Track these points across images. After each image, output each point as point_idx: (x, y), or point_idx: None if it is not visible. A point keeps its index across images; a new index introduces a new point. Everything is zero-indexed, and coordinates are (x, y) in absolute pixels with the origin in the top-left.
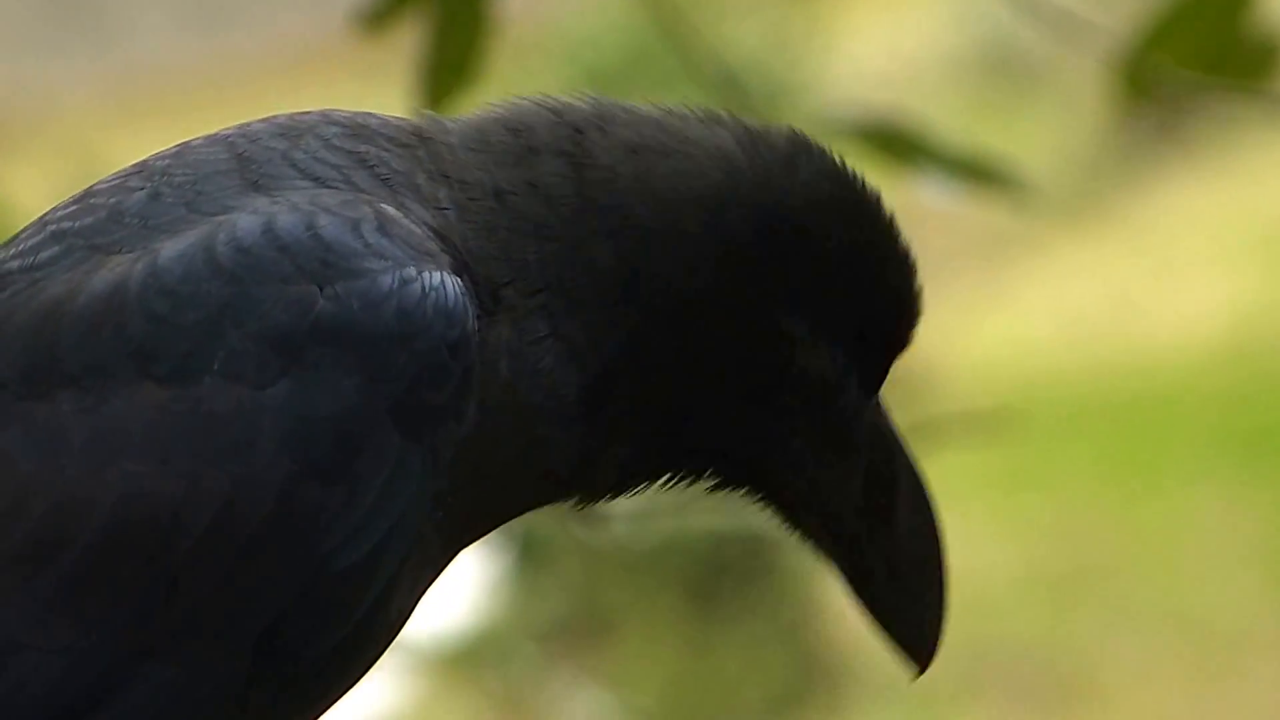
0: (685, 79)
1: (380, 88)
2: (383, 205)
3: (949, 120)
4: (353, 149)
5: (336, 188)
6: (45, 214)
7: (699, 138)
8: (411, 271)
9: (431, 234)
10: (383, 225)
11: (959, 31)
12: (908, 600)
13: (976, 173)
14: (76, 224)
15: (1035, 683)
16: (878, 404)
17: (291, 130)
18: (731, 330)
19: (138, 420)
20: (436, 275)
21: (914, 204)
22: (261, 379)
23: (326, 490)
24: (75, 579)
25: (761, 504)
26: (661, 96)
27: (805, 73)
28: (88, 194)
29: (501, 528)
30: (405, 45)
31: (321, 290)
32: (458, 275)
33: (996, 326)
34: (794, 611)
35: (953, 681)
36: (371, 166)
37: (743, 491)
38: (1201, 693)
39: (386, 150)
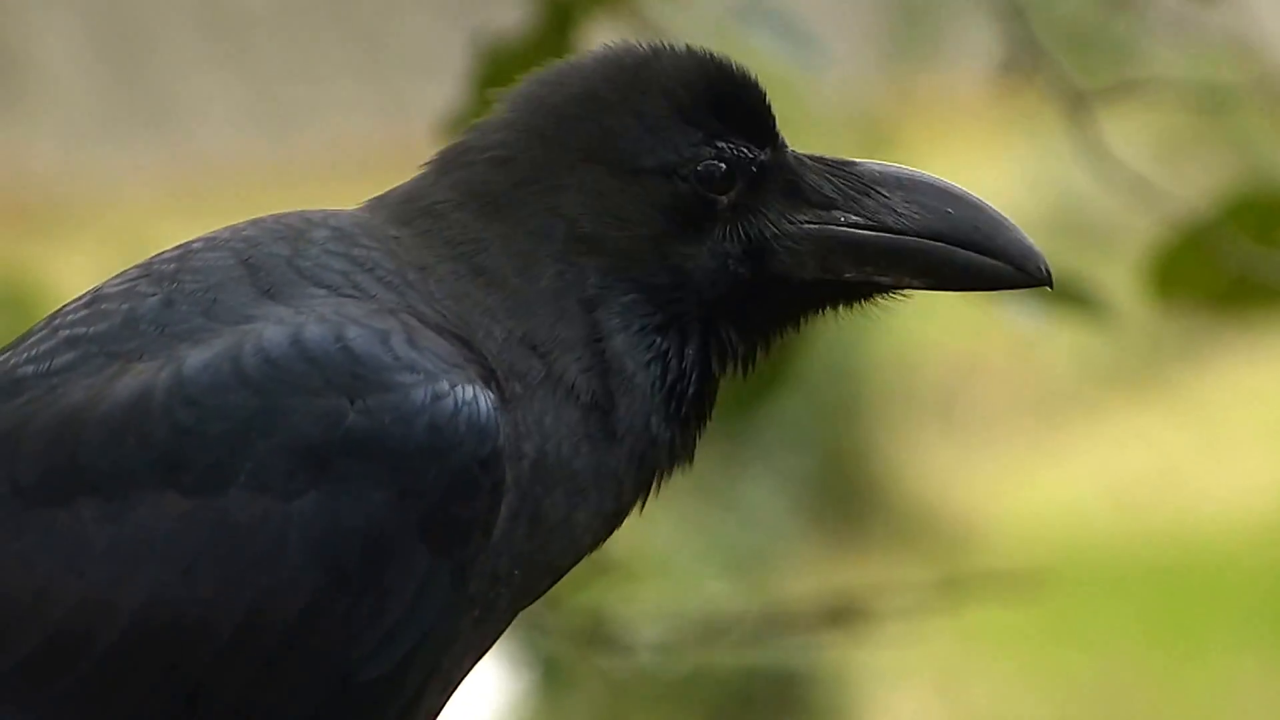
0: None
1: None
2: (406, 315)
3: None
4: (346, 252)
5: (351, 295)
6: (54, 315)
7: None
8: (444, 386)
9: (453, 338)
10: (411, 337)
11: (1031, 193)
12: (975, 243)
13: (1063, 295)
14: (90, 329)
15: None
16: (790, 153)
17: (285, 235)
18: (679, 215)
19: (161, 528)
20: (469, 390)
21: (973, 360)
22: (289, 490)
23: (354, 602)
24: (93, 684)
25: (820, 311)
26: None
27: None
28: (97, 297)
29: (525, 650)
30: None
31: (352, 403)
32: (485, 382)
33: (1047, 485)
34: None
35: None
36: (370, 270)
37: (792, 320)
38: None
39: (373, 249)
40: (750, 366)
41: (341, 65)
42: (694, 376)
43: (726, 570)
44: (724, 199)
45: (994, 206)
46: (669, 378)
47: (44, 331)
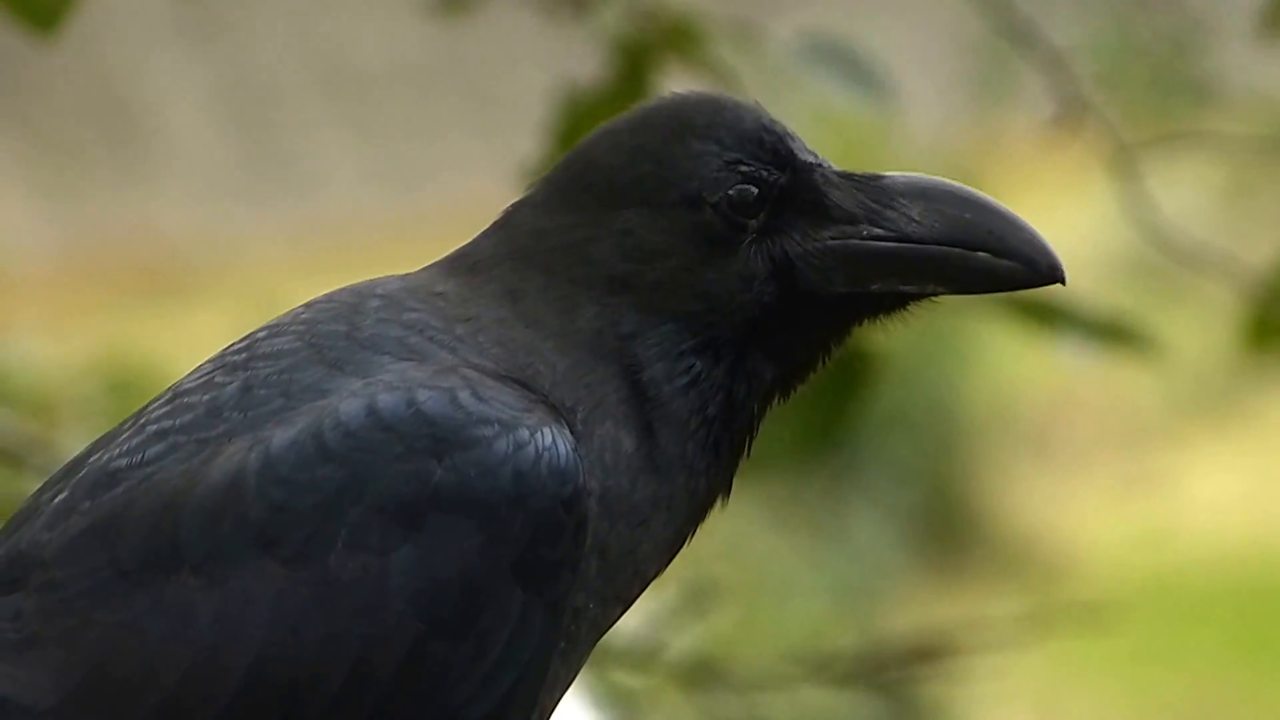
0: None
1: None
2: (467, 370)
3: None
4: (397, 318)
5: (409, 358)
6: (138, 414)
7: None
8: (524, 434)
9: (514, 384)
10: (475, 391)
11: (1109, 236)
12: (989, 245)
13: (1113, 334)
14: (176, 421)
15: None
16: (817, 171)
17: (339, 311)
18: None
19: (265, 594)
20: (548, 434)
21: (1064, 396)
22: (386, 546)
23: (454, 646)
24: None
25: (851, 330)
26: None
27: None
28: (177, 394)
29: (604, 687)
30: None
31: (439, 461)
32: (560, 423)
33: (1136, 513)
34: None
35: None
36: (421, 331)
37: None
38: None
39: (420, 311)
40: (787, 389)
41: (458, 123)
42: (722, 399)
43: (835, 601)
44: (752, 223)
45: (1009, 209)
46: (703, 401)
47: (131, 429)
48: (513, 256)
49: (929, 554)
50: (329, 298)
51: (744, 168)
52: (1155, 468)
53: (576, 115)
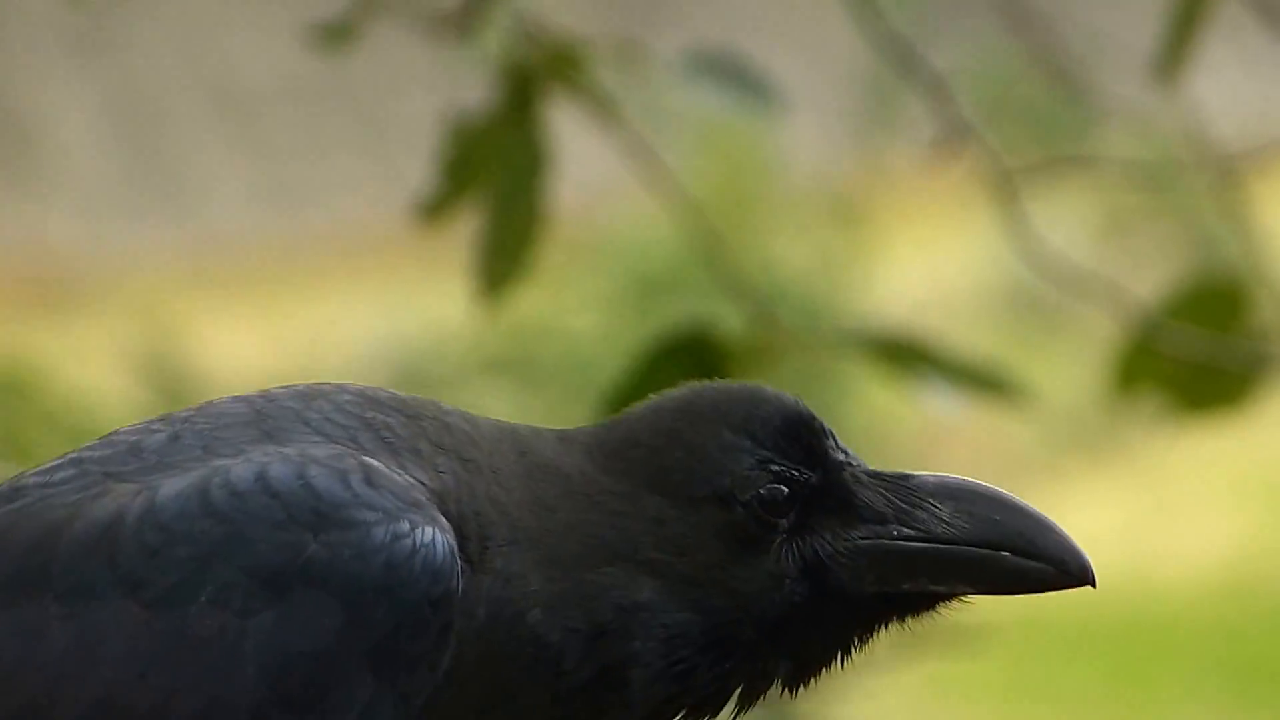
0: (721, 293)
1: (437, 272)
2: (368, 459)
3: (977, 351)
4: (361, 414)
5: (340, 443)
6: (75, 451)
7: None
8: (404, 527)
9: (423, 489)
10: (369, 478)
11: (991, 268)
12: (1019, 548)
13: (979, 382)
14: (96, 454)
15: None
16: (847, 470)
17: (306, 393)
18: (709, 530)
19: (119, 634)
20: (428, 532)
21: (940, 426)
22: (247, 609)
23: None
24: None
25: (861, 646)
26: (698, 306)
27: (846, 296)
28: (114, 433)
29: None
30: (464, 231)
31: (315, 536)
32: (445, 528)
33: None
34: None
35: None
36: (376, 430)
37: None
38: None
39: (392, 418)
40: (798, 685)
41: (344, 144)
42: (709, 693)
43: None
44: (782, 522)
45: (1037, 510)
46: (673, 695)
47: (60, 457)
48: (560, 480)
49: None
50: (314, 383)
51: (775, 466)
52: (1031, 501)
53: (465, 142)
